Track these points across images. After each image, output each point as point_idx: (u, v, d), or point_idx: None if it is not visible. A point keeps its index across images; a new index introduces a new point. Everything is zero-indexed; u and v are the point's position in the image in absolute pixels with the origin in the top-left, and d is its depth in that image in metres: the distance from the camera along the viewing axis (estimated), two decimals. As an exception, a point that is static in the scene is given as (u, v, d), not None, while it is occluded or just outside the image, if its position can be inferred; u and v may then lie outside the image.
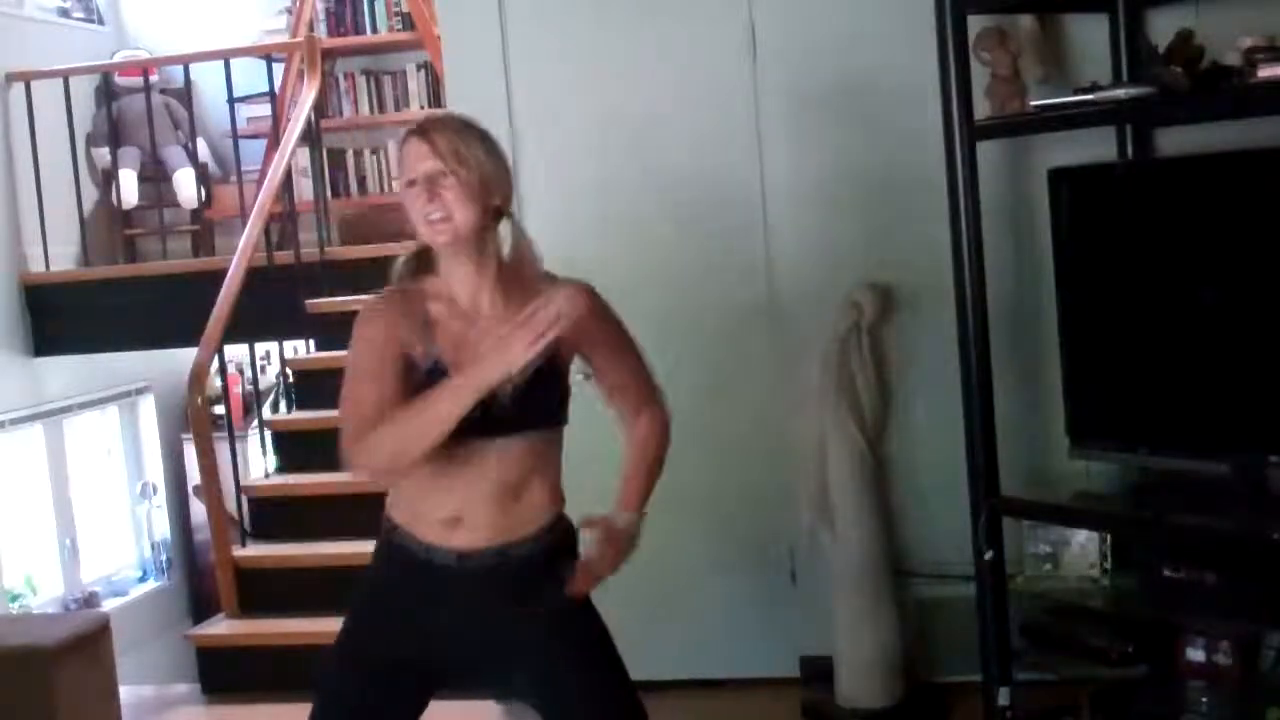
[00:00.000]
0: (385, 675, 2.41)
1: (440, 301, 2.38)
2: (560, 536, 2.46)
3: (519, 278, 2.40)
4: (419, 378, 2.30)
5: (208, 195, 6.68)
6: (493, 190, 2.35)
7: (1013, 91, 3.48)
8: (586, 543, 2.47)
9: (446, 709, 2.54)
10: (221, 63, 6.02)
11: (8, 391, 5.93)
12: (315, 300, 5.60)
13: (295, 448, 5.42)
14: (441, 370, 2.30)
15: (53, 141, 6.07)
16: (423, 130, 2.34)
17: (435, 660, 2.43)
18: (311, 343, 5.93)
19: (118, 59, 6.82)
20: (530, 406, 2.31)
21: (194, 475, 6.07)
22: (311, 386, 5.55)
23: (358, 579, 2.52)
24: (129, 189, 6.50)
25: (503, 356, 2.18)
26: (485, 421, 2.26)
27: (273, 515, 5.29)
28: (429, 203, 2.30)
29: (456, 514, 2.34)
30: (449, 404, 2.22)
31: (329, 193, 6.33)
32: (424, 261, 2.41)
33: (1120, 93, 3.17)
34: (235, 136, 6.24)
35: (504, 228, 2.39)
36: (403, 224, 2.41)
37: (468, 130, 2.36)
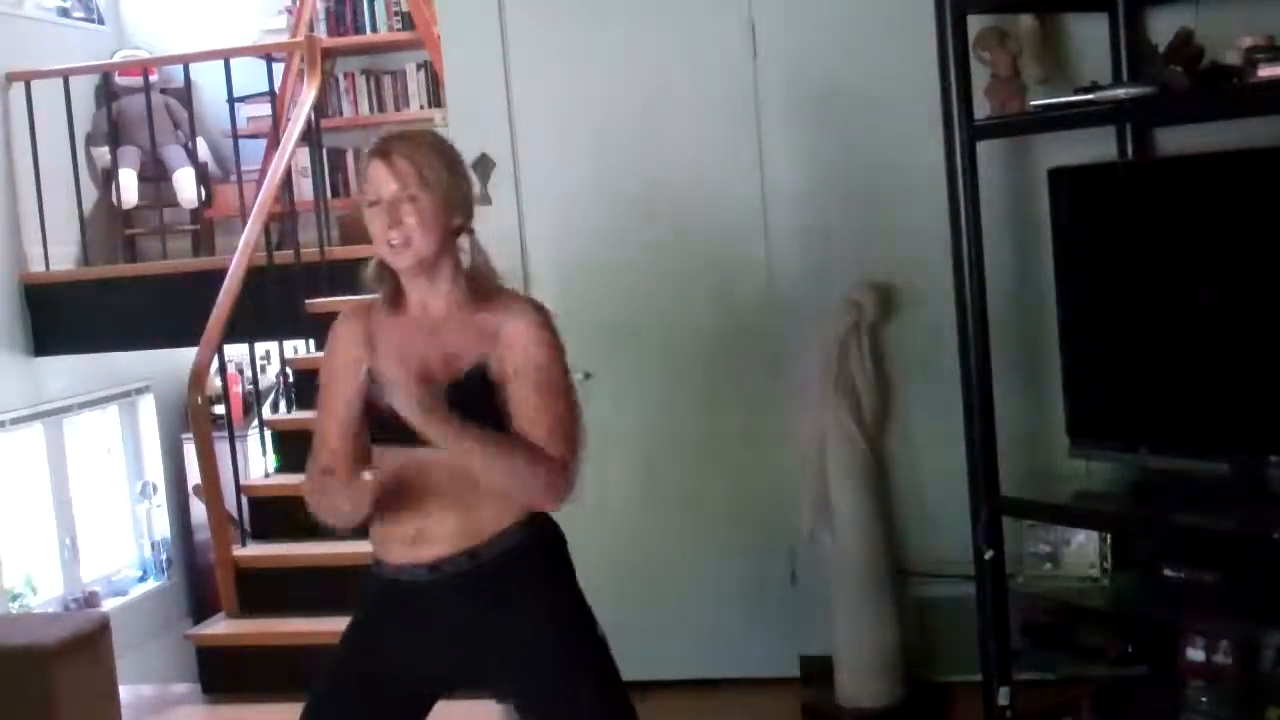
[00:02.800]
0: (377, 703, 2.42)
1: (399, 312, 2.41)
2: (536, 537, 2.41)
3: (475, 291, 2.39)
4: (365, 391, 2.29)
5: (208, 195, 6.67)
6: (454, 211, 2.35)
7: (1013, 91, 3.48)
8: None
9: (447, 709, 2.54)
10: (221, 62, 6.02)
11: (8, 391, 5.93)
12: (315, 300, 5.60)
13: (295, 448, 5.39)
14: (376, 380, 2.28)
15: (53, 141, 6.07)
16: (384, 152, 2.32)
17: (426, 680, 2.44)
18: (311, 343, 5.92)
19: (118, 59, 6.82)
20: (465, 416, 2.27)
21: (194, 475, 6.07)
22: (311, 386, 5.50)
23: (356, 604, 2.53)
24: (129, 189, 6.50)
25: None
26: (418, 435, 2.25)
27: (273, 515, 5.28)
28: (390, 227, 2.30)
29: (418, 529, 2.34)
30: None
31: (329, 193, 6.33)
32: (384, 276, 2.41)
33: (1120, 93, 3.17)
34: (235, 136, 6.23)
35: (464, 241, 2.40)
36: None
37: (431, 150, 2.35)
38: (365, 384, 2.28)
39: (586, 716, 2.42)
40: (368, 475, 2.28)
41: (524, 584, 2.38)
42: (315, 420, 2.47)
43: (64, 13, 6.79)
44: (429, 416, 2.20)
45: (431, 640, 2.38)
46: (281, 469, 5.51)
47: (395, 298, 2.42)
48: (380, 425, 2.31)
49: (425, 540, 2.34)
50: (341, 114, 6.72)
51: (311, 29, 6.43)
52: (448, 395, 2.27)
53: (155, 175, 6.55)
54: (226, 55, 6.06)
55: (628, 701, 2.44)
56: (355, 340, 2.43)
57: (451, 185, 2.35)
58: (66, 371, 6.29)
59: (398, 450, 2.31)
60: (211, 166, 6.84)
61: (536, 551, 2.41)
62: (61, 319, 6.01)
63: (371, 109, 6.70)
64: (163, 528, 7.17)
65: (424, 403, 2.19)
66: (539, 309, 2.40)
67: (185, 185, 6.52)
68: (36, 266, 6.08)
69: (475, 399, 2.30)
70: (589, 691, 2.41)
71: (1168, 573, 3.31)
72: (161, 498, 7.15)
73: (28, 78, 6.06)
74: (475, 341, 2.34)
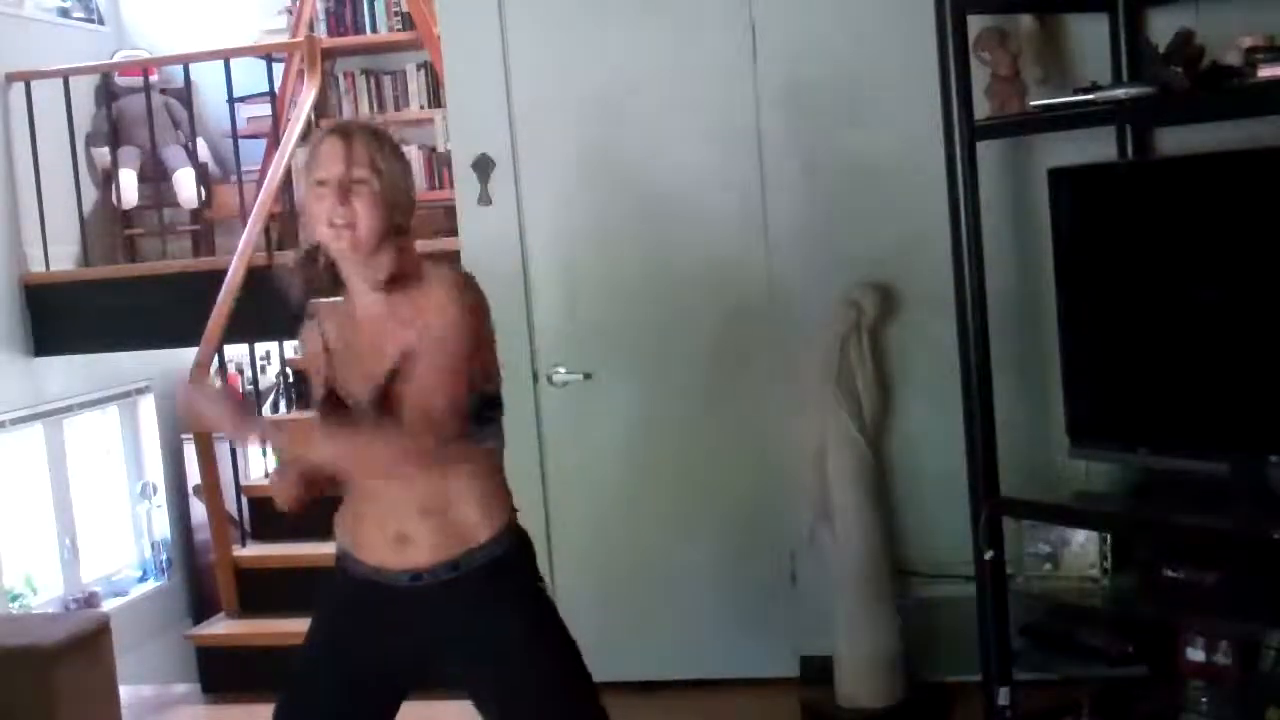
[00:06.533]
0: (347, 695, 2.43)
1: (342, 305, 2.43)
2: (512, 544, 2.43)
3: (406, 279, 2.37)
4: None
5: (208, 195, 6.67)
6: (398, 205, 2.33)
7: (1013, 91, 3.48)
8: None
9: (447, 709, 2.54)
10: (221, 62, 6.02)
11: (8, 391, 5.93)
12: (315, 300, 5.59)
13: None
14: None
15: (53, 141, 6.07)
16: (344, 132, 2.32)
17: (396, 677, 2.45)
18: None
19: (118, 59, 6.82)
20: (390, 409, 2.30)
21: (194, 475, 6.07)
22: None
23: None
24: (129, 189, 6.50)
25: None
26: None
27: (273, 515, 5.24)
28: (338, 205, 2.28)
29: (399, 532, 2.35)
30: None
31: (329, 193, 6.32)
32: (314, 261, 2.40)
33: (1120, 93, 3.17)
34: (235, 136, 6.24)
35: (406, 242, 2.37)
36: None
37: (385, 141, 2.35)
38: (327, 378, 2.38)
39: (556, 709, 2.42)
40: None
41: (503, 592, 2.39)
42: None
43: (64, 13, 6.80)
44: (240, 433, 2.32)
45: (408, 641, 2.40)
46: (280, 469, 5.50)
47: (327, 288, 2.43)
48: (335, 414, 2.40)
49: (406, 546, 2.35)
50: (341, 114, 6.70)
51: (311, 29, 6.43)
52: (379, 390, 2.30)
53: (155, 175, 6.55)
54: (226, 55, 6.06)
55: (600, 705, 2.46)
56: (313, 339, 2.51)
57: (400, 183, 2.34)
58: (66, 371, 6.29)
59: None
60: (211, 167, 6.83)
61: (515, 559, 2.43)
62: (61, 319, 6.01)
63: (371, 109, 6.68)
64: (163, 528, 7.17)
65: (200, 422, 2.33)
66: (453, 278, 2.35)
67: (185, 185, 6.52)
68: (36, 266, 6.08)
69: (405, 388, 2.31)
70: (563, 695, 2.42)
71: (1168, 573, 3.30)
72: (161, 498, 7.15)
73: (28, 78, 6.06)
74: (402, 327, 2.33)
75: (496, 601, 2.37)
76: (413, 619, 2.38)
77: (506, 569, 2.40)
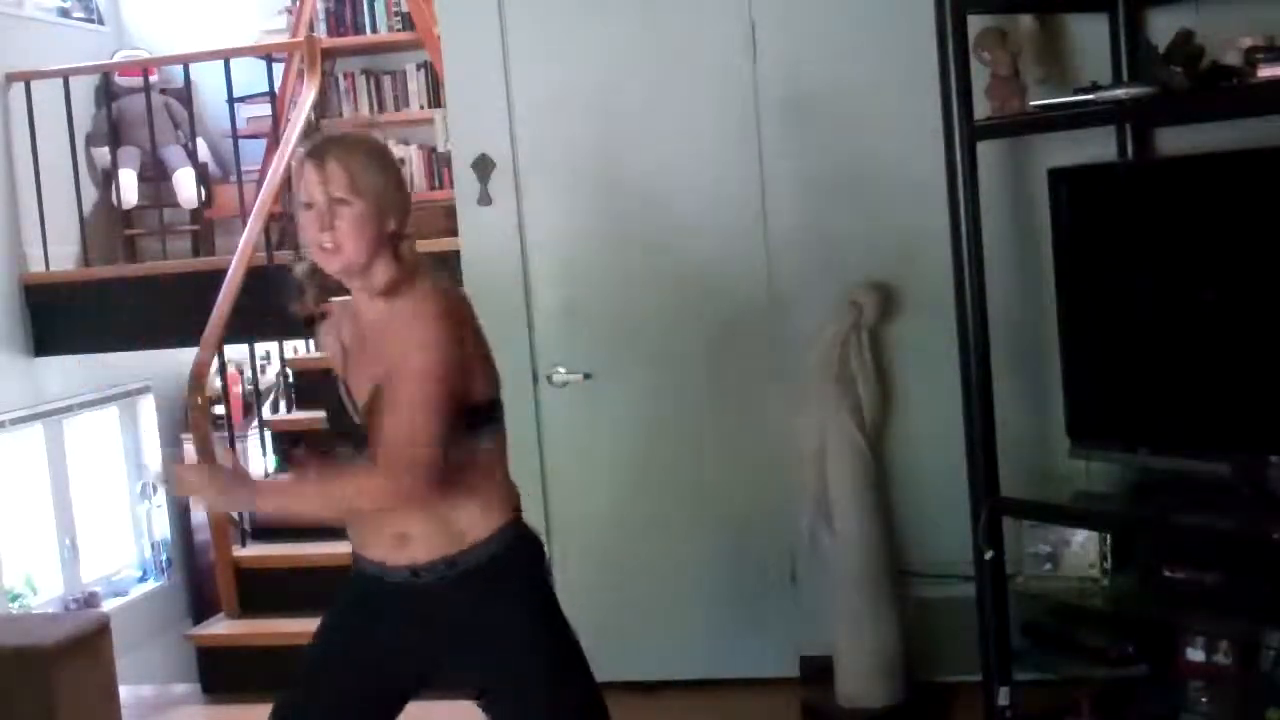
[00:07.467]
0: (352, 690, 2.43)
1: (351, 305, 2.44)
2: (514, 544, 2.43)
3: (397, 289, 2.36)
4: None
5: (208, 195, 6.68)
6: (387, 216, 2.32)
7: (1013, 91, 3.48)
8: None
9: (447, 709, 2.54)
10: (221, 62, 6.02)
11: (8, 391, 5.93)
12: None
13: (295, 448, 5.41)
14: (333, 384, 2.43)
15: (53, 141, 6.07)
16: (318, 155, 2.29)
17: (399, 675, 2.45)
18: (311, 343, 5.93)
19: (118, 59, 6.82)
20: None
21: (194, 475, 6.06)
22: (312, 386, 5.54)
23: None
24: (129, 189, 6.50)
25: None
26: (357, 435, 2.33)
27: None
28: (321, 231, 2.28)
29: (398, 532, 2.35)
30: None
31: (329, 193, 6.33)
32: (319, 271, 2.41)
33: (1120, 93, 3.17)
34: (235, 136, 6.24)
35: (403, 246, 2.35)
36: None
37: (366, 155, 2.32)
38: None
39: (553, 706, 2.41)
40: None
41: (501, 590, 2.39)
42: None
43: (64, 13, 6.80)
44: (212, 499, 2.37)
45: (409, 637, 2.40)
46: (282, 469, 5.50)
47: (338, 290, 2.44)
48: (337, 425, 2.42)
49: (405, 543, 2.36)
50: (341, 114, 6.72)
51: (311, 29, 6.43)
52: (374, 404, 2.31)
53: (155, 175, 6.55)
54: (226, 55, 6.06)
55: (603, 706, 2.46)
56: (331, 340, 2.52)
57: (385, 190, 2.31)
58: (66, 371, 6.28)
59: (348, 451, 2.38)
60: (211, 167, 6.84)
61: (515, 558, 2.42)
62: (61, 319, 6.01)
63: (371, 109, 6.70)
64: (163, 528, 7.17)
65: (195, 486, 2.34)
66: (431, 297, 2.30)
67: (185, 185, 6.53)
68: (36, 267, 6.08)
69: None
70: (565, 692, 2.42)
71: (1168, 573, 3.31)
72: (161, 498, 7.15)
73: (28, 78, 6.06)
74: (389, 344, 2.33)
75: (494, 600, 2.37)
76: (414, 615, 2.38)
77: (505, 568, 2.40)
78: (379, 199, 2.30)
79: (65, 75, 6.14)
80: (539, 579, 2.48)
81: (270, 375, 6.55)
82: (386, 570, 2.38)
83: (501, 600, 2.38)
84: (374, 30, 6.62)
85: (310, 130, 5.93)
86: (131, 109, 6.56)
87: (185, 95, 6.48)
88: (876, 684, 3.83)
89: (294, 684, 2.50)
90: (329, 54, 6.45)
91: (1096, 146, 3.52)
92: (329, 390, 2.43)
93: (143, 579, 7.06)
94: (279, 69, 6.34)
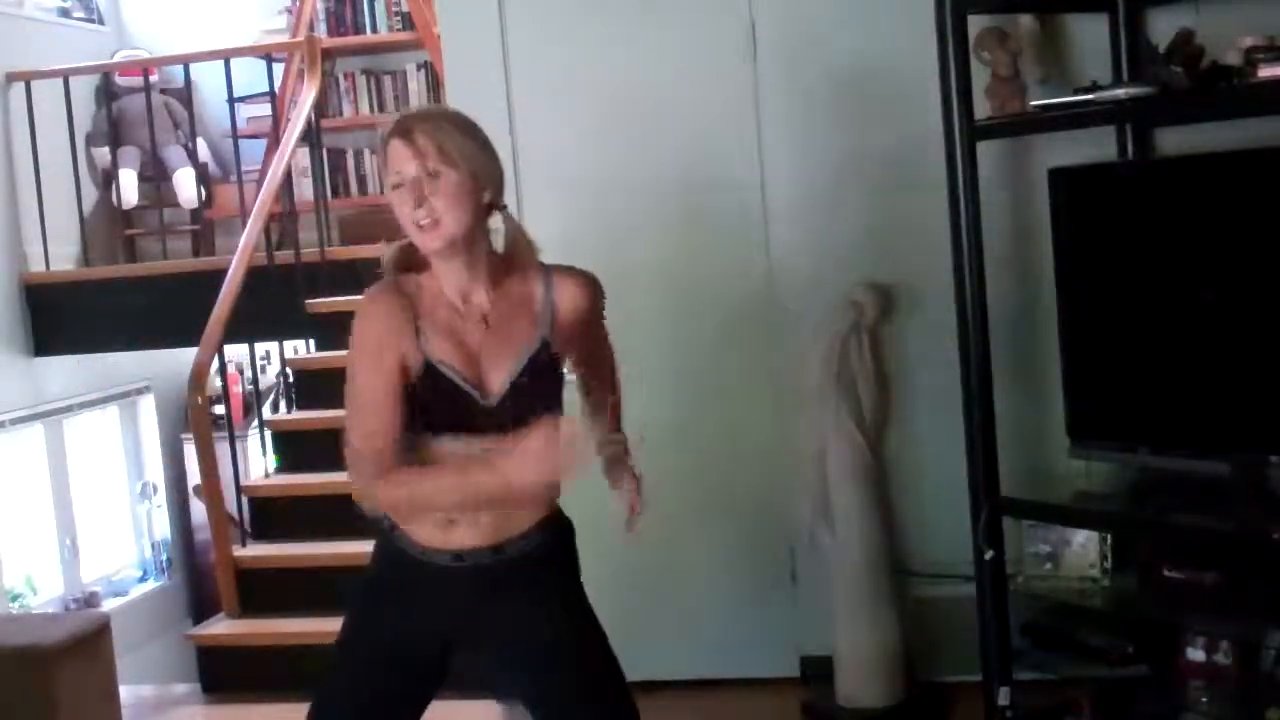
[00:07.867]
0: (384, 675, 2.40)
1: (431, 297, 2.30)
2: (556, 532, 2.44)
3: (512, 268, 2.35)
4: (413, 380, 2.25)
5: (208, 195, 6.68)
6: (483, 185, 2.26)
7: (1013, 91, 3.48)
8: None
9: (447, 709, 2.54)
10: (221, 62, 6.02)
11: (8, 391, 5.93)
12: (315, 300, 5.60)
13: (295, 447, 5.42)
14: (435, 370, 2.24)
15: (53, 141, 6.08)
16: (404, 130, 2.22)
17: (433, 659, 2.42)
18: (311, 343, 5.93)
19: (118, 59, 6.82)
20: (526, 404, 2.26)
21: (194, 475, 6.06)
22: (312, 386, 5.55)
23: (355, 579, 2.52)
24: (129, 189, 6.50)
25: (538, 469, 2.14)
26: (480, 422, 2.25)
27: (273, 515, 5.29)
28: (416, 207, 2.21)
29: (451, 518, 2.32)
30: (472, 490, 2.23)
31: (329, 193, 6.34)
32: (413, 252, 2.31)
33: (1120, 93, 3.17)
34: (235, 136, 6.24)
35: (495, 220, 2.32)
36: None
37: (453, 124, 2.26)
38: (412, 368, 2.23)
39: (594, 708, 2.41)
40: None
41: (540, 578, 2.38)
42: (356, 417, 2.27)
43: (64, 13, 6.80)
44: (614, 461, 2.56)
45: (445, 622, 2.37)
46: (282, 469, 5.51)
47: (427, 279, 2.31)
48: (437, 414, 2.26)
49: (453, 527, 2.31)
50: (341, 114, 6.72)
51: (311, 29, 6.44)
52: (515, 385, 2.26)
53: (155, 175, 6.55)
54: (226, 55, 6.07)
55: (634, 703, 2.45)
56: (396, 319, 2.26)
57: (478, 159, 2.25)
58: (66, 372, 6.29)
59: (456, 440, 2.27)
60: (211, 167, 6.84)
61: (558, 548, 2.43)
62: (61, 319, 6.02)
63: (371, 109, 6.70)
64: (163, 528, 7.17)
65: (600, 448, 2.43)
66: (590, 277, 2.48)
67: (185, 185, 6.53)
68: (36, 266, 6.08)
69: (542, 382, 2.30)
70: (602, 681, 2.41)
71: (1168, 573, 3.31)
72: (161, 498, 7.15)
73: (28, 78, 6.06)
74: (529, 324, 2.31)
75: (534, 589, 2.36)
76: (451, 600, 2.35)
77: (548, 558, 2.39)
78: (472, 167, 2.24)
79: (65, 75, 6.14)
80: (576, 572, 2.51)
81: (270, 375, 6.55)
82: (428, 554, 2.32)
83: (539, 590, 2.38)
84: (374, 30, 6.63)
85: (310, 131, 5.95)
86: (131, 109, 6.56)
87: (185, 95, 6.49)
88: (876, 684, 3.83)
89: (326, 678, 2.45)
90: (329, 54, 6.46)
91: (1096, 146, 3.52)
92: (429, 388, 2.25)
93: (143, 579, 7.07)
94: (279, 69, 6.34)
